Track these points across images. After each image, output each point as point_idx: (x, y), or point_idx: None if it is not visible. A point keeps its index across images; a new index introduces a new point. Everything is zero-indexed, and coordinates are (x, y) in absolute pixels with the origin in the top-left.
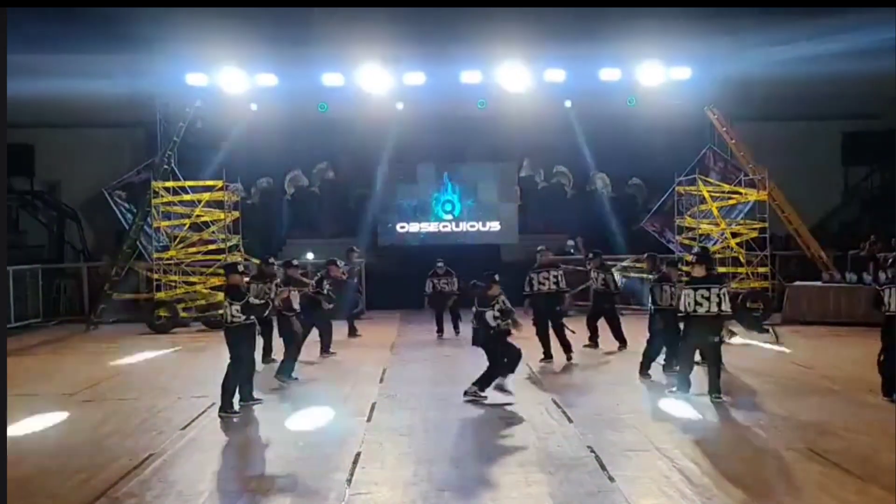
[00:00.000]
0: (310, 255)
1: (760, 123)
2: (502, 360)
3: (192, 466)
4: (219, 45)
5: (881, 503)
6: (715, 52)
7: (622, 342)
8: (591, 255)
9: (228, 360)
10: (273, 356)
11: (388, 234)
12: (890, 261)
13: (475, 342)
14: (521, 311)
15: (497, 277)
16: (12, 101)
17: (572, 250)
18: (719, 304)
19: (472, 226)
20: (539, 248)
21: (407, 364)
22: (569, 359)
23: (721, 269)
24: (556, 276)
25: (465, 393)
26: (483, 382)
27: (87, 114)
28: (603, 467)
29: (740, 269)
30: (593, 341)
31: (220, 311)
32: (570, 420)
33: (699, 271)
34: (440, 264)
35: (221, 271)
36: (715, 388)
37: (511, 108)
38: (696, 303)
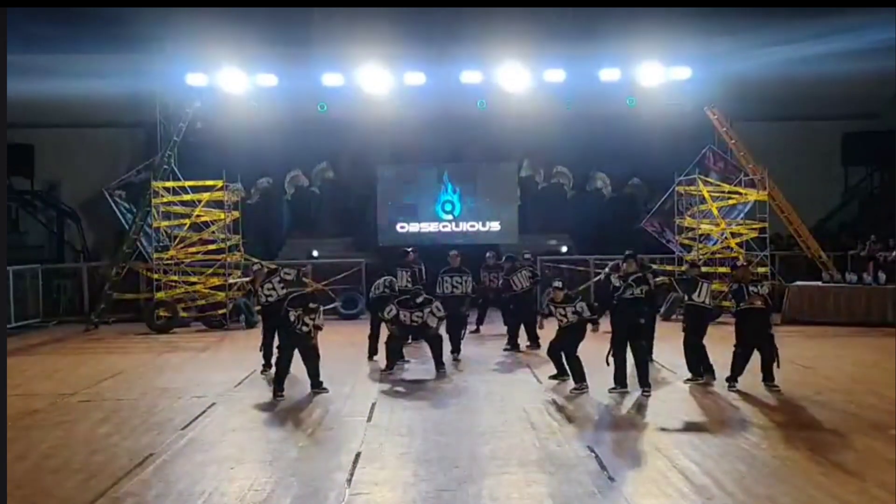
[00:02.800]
0: (315, 252)
1: (760, 123)
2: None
3: (192, 466)
4: (219, 45)
5: (881, 503)
6: (715, 52)
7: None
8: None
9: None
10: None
11: (388, 234)
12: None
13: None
14: None
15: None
16: (12, 101)
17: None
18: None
19: (472, 226)
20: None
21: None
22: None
23: (721, 270)
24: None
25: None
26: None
27: (87, 114)
28: (603, 467)
29: None
30: None
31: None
32: (570, 420)
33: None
34: (454, 252)
35: (222, 271)
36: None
37: (511, 108)
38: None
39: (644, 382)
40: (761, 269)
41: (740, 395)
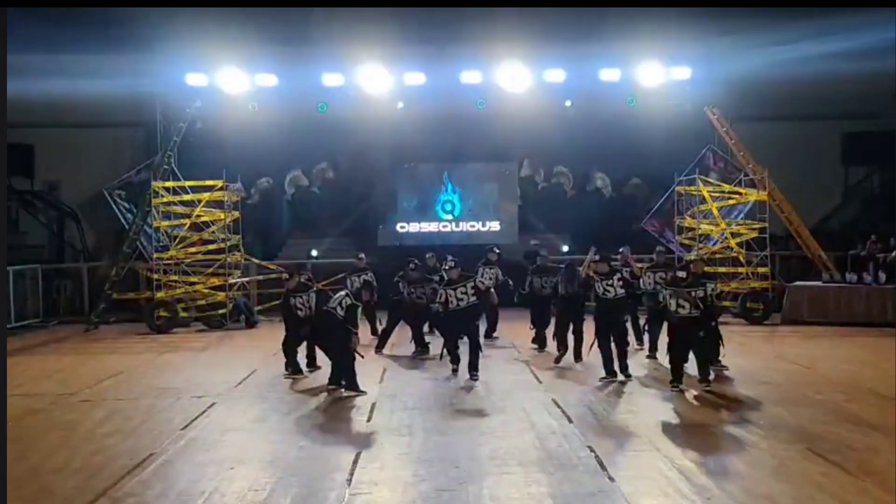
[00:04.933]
0: (314, 252)
1: (760, 123)
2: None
3: (192, 466)
4: (219, 45)
5: (881, 503)
6: (715, 52)
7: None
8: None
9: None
10: None
11: (388, 234)
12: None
13: None
14: None
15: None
16: (12, 101)
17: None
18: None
19: (472, 226)
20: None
21: (407, 364)
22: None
23: (721, 270)
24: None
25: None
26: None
27: (87, 114)
28: (603, 467)
29: (740, 269)
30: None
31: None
32: (570, 420)
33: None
34: (451, 260)
35: (222, 271)
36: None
37: (511, 108)
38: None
39: (624, 367)
40: (761, 270)
41: (740, 395)
